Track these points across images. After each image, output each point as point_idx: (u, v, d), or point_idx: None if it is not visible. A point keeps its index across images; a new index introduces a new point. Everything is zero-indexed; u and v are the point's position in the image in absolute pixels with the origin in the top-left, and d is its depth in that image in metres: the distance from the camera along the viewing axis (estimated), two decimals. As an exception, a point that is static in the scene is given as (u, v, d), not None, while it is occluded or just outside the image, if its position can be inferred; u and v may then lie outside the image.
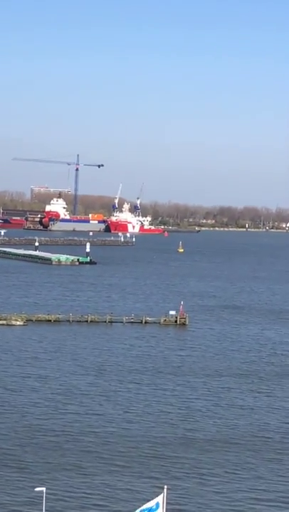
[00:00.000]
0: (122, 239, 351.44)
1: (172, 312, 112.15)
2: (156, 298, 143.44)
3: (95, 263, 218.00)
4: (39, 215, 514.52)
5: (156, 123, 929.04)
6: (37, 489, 41.29)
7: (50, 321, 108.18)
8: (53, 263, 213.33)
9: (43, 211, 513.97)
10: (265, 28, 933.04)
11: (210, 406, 67.19)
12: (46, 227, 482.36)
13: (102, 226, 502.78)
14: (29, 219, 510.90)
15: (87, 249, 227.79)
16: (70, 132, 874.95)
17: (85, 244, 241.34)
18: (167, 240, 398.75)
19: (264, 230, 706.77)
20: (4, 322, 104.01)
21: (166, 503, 32.63)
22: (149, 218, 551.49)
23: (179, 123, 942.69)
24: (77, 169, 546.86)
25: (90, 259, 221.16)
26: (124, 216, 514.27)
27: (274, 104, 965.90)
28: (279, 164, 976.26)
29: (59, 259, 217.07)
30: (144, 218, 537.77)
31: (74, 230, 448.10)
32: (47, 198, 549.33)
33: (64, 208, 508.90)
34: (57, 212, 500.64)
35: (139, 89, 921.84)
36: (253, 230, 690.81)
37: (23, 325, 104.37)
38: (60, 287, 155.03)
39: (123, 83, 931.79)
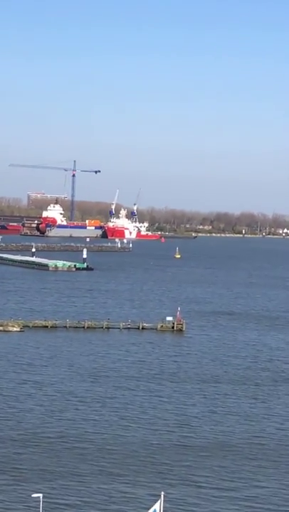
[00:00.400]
0: (119, 245, 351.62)
1: (169, 318, 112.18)
2: (153, 304, 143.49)
3: (91, 269, 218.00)
4: (36, 221, 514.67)
5: (152, 128, 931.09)
6: (34, 495, 41.31)
7: (47, 327, 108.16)
8: (50, 269, 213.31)
9: (40, 217, 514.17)
10: (265, 28, 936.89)
11: (206, 412, 67.21)
12: (43, 233, 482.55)
13: (99, 232, 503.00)
14: (26, 225, 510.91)
15: (84, 255, 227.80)
16: (66, 138, 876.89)
17: (82, 250, 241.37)
18: (164, 246, 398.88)
19: (261, 235, 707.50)
20: (1, 328, 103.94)
21: (163, 510, 32.68)
22: (146, 224, 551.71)
23: (176, 128, 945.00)
24: (74, 175, 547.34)
25: (87, 265, 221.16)
26: (121, 222, 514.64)
27: (272, 109, 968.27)
28: (276, 170, 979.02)
29: (56, 265, 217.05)
30: (140, 224, 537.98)
31: (71, 236, 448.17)
32: (44, 204, 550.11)
33: (61, 213, 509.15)
34: (54, 218, 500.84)
35: (135, 94, 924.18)
36: (249, 235, 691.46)
37: (20, 331, 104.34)
38: (56, 293, 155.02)
39: (120, 89, 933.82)
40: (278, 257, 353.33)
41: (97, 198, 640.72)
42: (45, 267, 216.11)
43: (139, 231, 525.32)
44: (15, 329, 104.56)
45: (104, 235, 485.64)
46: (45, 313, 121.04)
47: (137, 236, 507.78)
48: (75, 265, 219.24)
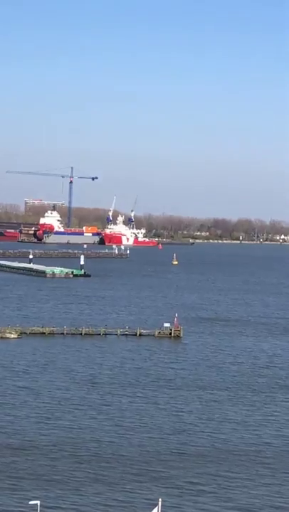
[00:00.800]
0: (117, 251, 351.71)
1: (167, 324, 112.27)
2: (150, 310, 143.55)
3: (89, 276, 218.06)
4: (33, 228, 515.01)
5: (149, 135, 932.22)
6: (31, 502, 41.36)
7: (45, 333, 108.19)
8: (47, 276, 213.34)
9: (37, 224, 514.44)
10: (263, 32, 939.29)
11: (203, 419, 67.24)
12: (40, 240, 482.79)
13: (97, 238, 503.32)
14: (23, 231, 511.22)
15: (82, 262, 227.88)
16: (64, 145, 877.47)
17: (79, 257, 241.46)
18: (161, 252, 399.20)
19: (258, 242, 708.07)
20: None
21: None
22: (143, 230, 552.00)
23: (173, 135, 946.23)
24: (71, 182, 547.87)
25: (84, 272, 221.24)
26: (119, 228, 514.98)
27: (268, 116, 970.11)
28: (273, 176, 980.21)
29: (53, 272, 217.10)
30: (138, 231, 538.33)
31: (68, 243, 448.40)
32: (41, 211, 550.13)
33: (58, 220, 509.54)
34: (51, 225, 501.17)
35: (133, 101, 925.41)
36: (247, 242, 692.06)
37: (18, 338, 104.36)
38: (54, 300, 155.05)
39: (117, 95, 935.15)
40: (275, 263, 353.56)
41: (94, 204, 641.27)
42: (42, 273, 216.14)
43: (136, 237, 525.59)
44: (12, 336, 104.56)
45: (102, 242, 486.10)
46: (42, 320, 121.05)
47: (134, 242, 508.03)
48: (72, 272, 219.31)
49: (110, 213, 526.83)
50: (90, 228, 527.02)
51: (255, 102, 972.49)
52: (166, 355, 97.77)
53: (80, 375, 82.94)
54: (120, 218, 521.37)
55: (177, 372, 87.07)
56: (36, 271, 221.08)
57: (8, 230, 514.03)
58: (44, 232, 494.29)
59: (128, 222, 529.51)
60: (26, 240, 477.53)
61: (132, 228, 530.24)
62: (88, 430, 62.47)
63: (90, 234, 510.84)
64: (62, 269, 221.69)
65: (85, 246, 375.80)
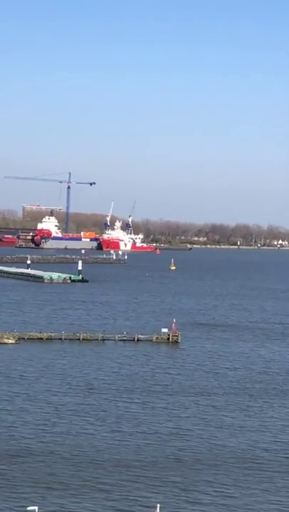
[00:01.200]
0: (114, 257, 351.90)
1: (164, 330, 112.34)
2: (148, 315, 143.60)
3: (86, 281, 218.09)
4: (31, 233, 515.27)
5: (147, 141, 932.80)
6: (29, 508, 41.38)
7: (43, 339, 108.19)
8: (45, 281, 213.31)
9: (35, 229, 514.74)
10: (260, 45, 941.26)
11: (200, 425, 67.27)
12: (38, 245, 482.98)
13: (94, 244, 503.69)
14: (21, 237, 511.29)
15: (79, 267, 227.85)
16: (62, 150, 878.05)
17: (77, 262, 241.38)
18: (159, 258, 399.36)
19: (256, 247, 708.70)
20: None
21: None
22: (141, 236, 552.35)
23: (171, 141, 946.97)
24: (69, 187, 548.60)
25: (82, 277, 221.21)
26: (116, 234, 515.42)
27: (266, 121, 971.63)
28: (271, 182, 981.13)
29: (51, 277, 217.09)
30: (136, 236, 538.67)
31: (66, 248, 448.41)
32: (39, 216, 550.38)
33: (56, 225, 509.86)
34: (49, 230, 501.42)
35: (131, 107, 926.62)
36: (244, 247, 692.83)
37: (15, 343, 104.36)
38: (51, 305, 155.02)
39: (115, 101, 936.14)
40: (272, 268, 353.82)
41: (92, 209, 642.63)
42: (40, 279, 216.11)
43: (134, 243, 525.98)
44: (10, 341, 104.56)
45: (100, 247, 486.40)
46: (40, 326, 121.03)
47: (132, 248, 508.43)
48: (70, 277, 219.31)
49: (108, 219, 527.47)
50: (87, 233, 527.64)
51: (252, 107, 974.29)
52: (164, 361, 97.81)
53: (77, 381, 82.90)
54: (118, 224, 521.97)
55: (175, 377, 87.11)
56: (34, 276, 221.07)
57: (6, 236, 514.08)
58: (42, 238, 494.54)
59: (126, 227, 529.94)
60: (24, 246, 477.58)
61: (130, 234, 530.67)
62: (85, 436, 62.46)
63: (88, 239, 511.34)
64: (60, 274, 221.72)
65: (83, 251, 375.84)
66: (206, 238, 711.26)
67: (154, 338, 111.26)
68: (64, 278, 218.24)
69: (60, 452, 58.09)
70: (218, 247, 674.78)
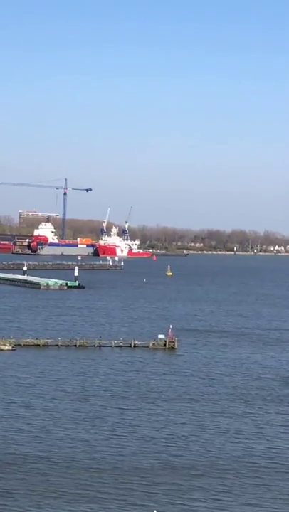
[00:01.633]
0: (111, 263, 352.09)
1: (161, 336, 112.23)
2: (144, 321, 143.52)
3: (83, 287, 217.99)
4: (27, 240, 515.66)
5: (144, 146, 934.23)
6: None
7: (39, 345, 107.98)
8: (42, 287, 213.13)
9: (32, 235, 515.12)
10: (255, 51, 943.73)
11: (196, 431, 67.12)
12: (34, 252, 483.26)
13: (91, 250, 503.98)
14: (17, 243, 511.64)
15: (76, 274, 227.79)
16: (58, 157, 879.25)
17: (74, 269, 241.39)
18: (156, 264, 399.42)
19: (252, 253, 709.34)
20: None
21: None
22: (137, 242, 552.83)
23: (167, 146, 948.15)
24: (65, 193, 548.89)
25: (79, 284, 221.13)
26: (113, 240, 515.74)
27: (264, 127, 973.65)
28: (267, 188, 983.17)
29: (47, 284, 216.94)
30: (132, 242, 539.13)
31: (62, 254, 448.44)
32: (35, 223, 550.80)
33: (52, 232, 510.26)
34: (45, 237, 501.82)
35: (127, 112, 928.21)
36: (241, 253, 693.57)
37: (12, 350, 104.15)
38: (48, 312, 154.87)
39: (111, 108, 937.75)
40: (269, 274, 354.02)
41: (88, 216, 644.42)
42: (36, 285, 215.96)
43: (130, 249, 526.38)
44: (6, 348, 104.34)
45: (96, 253, 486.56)
46: (36, 332, 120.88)
47: (128, 254, 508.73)
48: (66, 283, 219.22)
49: (104, 225, 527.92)
50: (84, 240, 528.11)
51: (249, 112, 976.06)
52: (161, 367, 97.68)
53: (73, 387, 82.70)
54: (114, 230, 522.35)
55: (171, 384, 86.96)
56: (30, 282, 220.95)
57: (2, 242, 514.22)
58: (38, 244, 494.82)
59: (122, 233, 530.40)
60: (20, 252, 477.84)
61: (126, 240, 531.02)
62: (81, 443, 62.23)
63: (84, 245, 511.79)
64: (56, 280, 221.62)
65: (79, 257, 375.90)
66: (202, 244, 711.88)
67: (151, 344, 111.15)
68: (60, 284, 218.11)
69: (56, 459, 57.86)
70: (214, 252, 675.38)
